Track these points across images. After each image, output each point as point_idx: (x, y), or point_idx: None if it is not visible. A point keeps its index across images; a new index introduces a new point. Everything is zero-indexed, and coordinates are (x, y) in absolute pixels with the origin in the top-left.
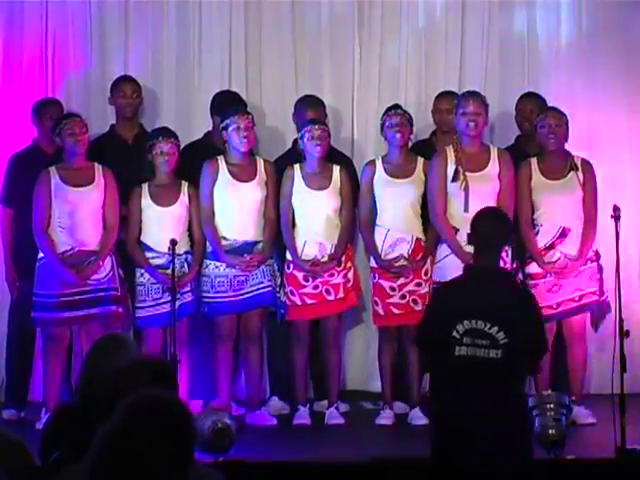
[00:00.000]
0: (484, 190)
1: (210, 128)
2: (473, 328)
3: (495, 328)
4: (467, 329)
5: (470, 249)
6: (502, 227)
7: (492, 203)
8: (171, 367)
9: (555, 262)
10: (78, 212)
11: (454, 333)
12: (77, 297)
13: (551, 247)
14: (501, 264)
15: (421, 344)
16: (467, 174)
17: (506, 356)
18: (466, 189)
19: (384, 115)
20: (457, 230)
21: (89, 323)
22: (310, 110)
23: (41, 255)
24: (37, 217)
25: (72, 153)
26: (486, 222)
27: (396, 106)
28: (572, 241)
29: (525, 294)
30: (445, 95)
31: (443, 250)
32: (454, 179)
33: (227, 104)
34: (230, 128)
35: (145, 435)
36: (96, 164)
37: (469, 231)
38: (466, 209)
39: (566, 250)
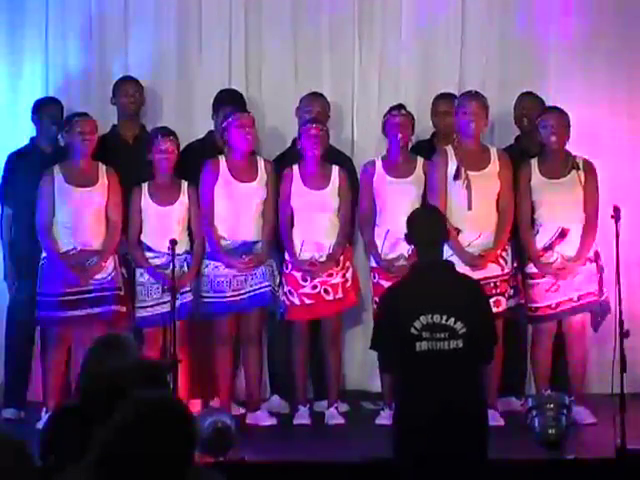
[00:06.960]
0: (486, 188)
1: (212, 127)
2: (430, 322)
3: (452, 319)
4: (424, 324)
5: (473, 249)
6: (441, 224)
7: (494, 201)
8: (163, 370)
9: (552, 263)
10: (81, 212)
11: (412, 330)
12: (80, 296)
13: (550, 248)
14: (502, 263)
15: (378, 346)
16: (469, 172)
17: (467, 345)
18: (468, 187)
19: (387, 114)
20: (459, 231)
21: (92, 322)
22: (310, 107)
23: (44, 254)
24: (40, 217)
25: (78, 152)
26: (425, 222)
27: (400, 106)
28: (571, 242)
29: (474, 283)
30: (442, 97)
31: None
32: (456, 177)
33: (224, 103)
34: (231, 127)
35: (146, 435)
36: (100, 164)
37: (407, 232)
38: (469, 207)
39: (565, 251)
